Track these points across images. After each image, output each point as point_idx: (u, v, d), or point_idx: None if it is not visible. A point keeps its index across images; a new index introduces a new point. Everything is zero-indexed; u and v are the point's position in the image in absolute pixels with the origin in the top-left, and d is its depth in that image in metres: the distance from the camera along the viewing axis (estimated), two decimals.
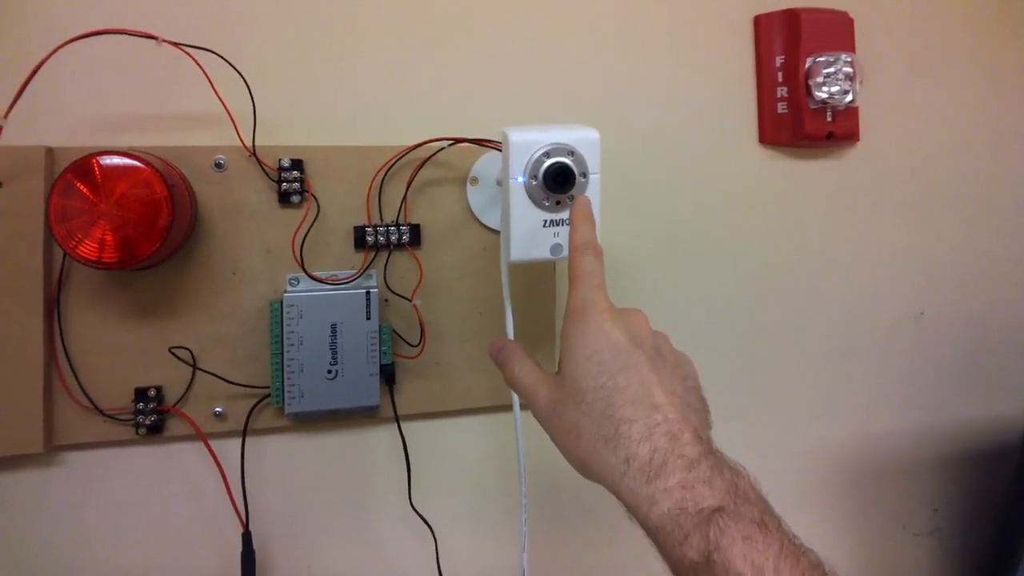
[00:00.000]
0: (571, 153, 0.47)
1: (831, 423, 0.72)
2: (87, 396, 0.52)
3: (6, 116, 0.48)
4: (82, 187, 0.46)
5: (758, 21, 0.68)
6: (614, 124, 0.64)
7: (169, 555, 0.56)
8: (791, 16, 0.66)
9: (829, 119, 0.67)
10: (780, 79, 0.67)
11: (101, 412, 0.52)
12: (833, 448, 0.72)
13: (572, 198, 0.48)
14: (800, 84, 0.66)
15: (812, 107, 0.66)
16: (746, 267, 0.68)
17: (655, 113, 0.65)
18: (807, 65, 0.66)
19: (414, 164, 0.57)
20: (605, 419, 0.38)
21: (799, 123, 0.66)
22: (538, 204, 0.48)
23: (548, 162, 0.47)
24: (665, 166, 0.66)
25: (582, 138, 0.48)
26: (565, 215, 0.48)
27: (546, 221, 0.48)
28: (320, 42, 0.58)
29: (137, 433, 0.53)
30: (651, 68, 0.65)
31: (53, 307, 0.51)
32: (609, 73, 0.64)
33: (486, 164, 0.58)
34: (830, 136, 0.67)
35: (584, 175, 0.48)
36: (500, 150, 0.52)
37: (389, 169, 0.56)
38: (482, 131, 0.56)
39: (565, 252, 0.49)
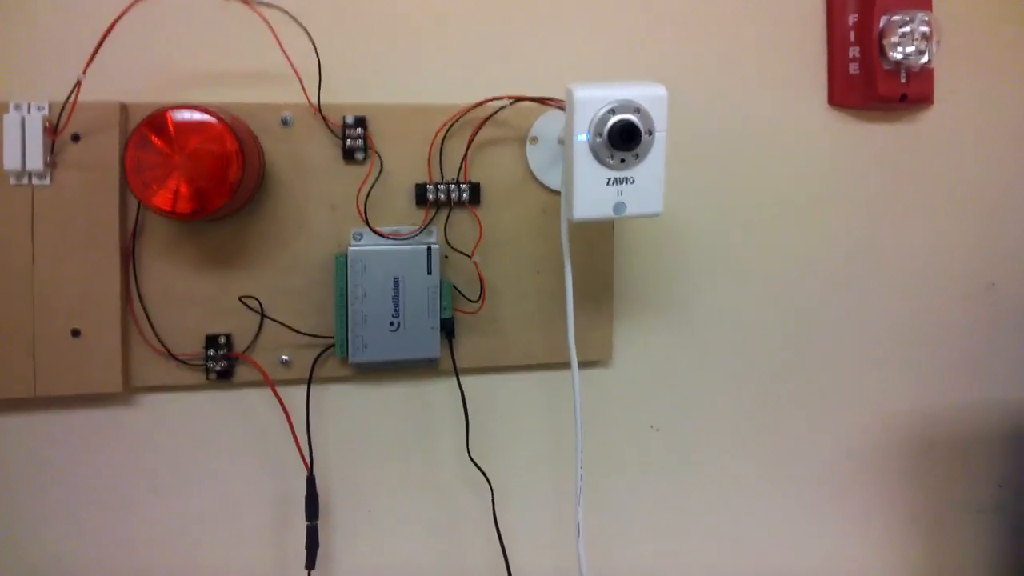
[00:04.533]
0: (637, 110, 0.47)
1: (894, 394, 0.70)
2: (160, 341, 0.54)
3: (84, 72, 0.49)
4: (157, 140, 0.47)
5: None
6: (678, 83, 0.62)
7: (236, 494, 0.58)
8: None
9: (903, 81, 0.64)
10: (852, 38, 0.65)
11: (174, 357, 0.54)
12: (894, 420, 0.71)
13: (637, 156, 0.47)
14: (874, 44, 0.63)
15: (886, 68, 0.63)
16: (812, 230, 0.67)
17: (720, 71, 0.64)
18: (882, 24, 0.63)
19: (475, 123, 0.57)
20: None
21: (872, 84, 0.64)
22: (602, 162, 0.47)
23: (613, 119, 0.46)
24: (730, 125, 0.64)
25: (649, 95, 0.47)
26: (629, 173, 0.48)
27: (610, 179, 0.48)
28: (384, 0, 0.58)
29: (208, 378, 0.55)
30: (717, 25, 0.64)
31: (129, 256, 0.53)
32: (673, 31, 0.63)
33: (546, 124, 0.58)
34: (903, 98, 0.65)
35: (650, 132, 0.47)
36: (561, 108, 0.51)
37: (450, 128, 0.56)
38: (543, 90, 0.55)
39: (628, 210, 0.48)
